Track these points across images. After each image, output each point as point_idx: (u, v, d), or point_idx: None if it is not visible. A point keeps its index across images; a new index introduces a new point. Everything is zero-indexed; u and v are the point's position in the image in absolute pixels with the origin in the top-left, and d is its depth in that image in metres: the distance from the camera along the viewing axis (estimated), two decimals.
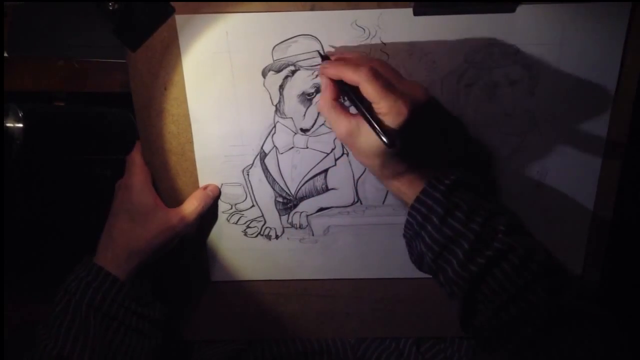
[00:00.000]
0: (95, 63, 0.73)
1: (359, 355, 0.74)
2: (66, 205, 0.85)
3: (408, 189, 0.58)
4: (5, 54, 0.72)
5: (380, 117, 0.53)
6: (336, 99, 0.58)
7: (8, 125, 0.54)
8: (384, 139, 0.52)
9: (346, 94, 0.57)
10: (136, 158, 0.67)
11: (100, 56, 0.73)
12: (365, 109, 0.54)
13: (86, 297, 0.62)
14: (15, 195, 0.81)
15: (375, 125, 0.53)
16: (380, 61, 0.58)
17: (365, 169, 0.68)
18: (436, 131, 0.61)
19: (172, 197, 0.69)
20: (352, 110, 0.58)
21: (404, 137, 0.54)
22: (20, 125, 0.55)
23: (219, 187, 0.70)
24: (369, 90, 0.53)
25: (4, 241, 0.80)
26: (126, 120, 0.69)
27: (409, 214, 0.58)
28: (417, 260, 0.61)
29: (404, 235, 0.61)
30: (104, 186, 0.71)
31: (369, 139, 0.54)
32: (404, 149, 0.55)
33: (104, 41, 0.73)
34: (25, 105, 0.56)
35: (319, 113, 0.65)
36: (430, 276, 0.61)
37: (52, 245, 0.86)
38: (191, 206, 0.67)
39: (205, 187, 0.69)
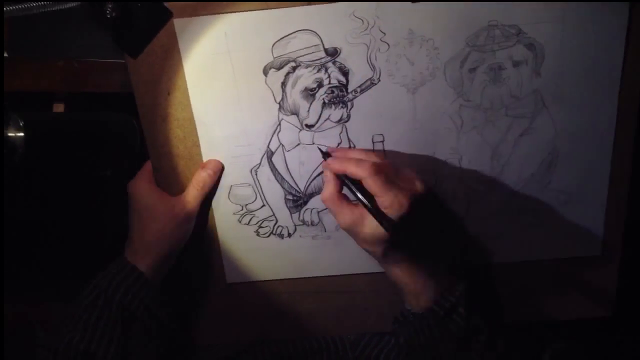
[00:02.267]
0: (95, 63, 0.73)
1: (358, 352, 0.73)
2: (66, 205, 0.86)
3: (408, 277, 0.63)
4: (5, 54, 0.72)
5: (383, 209, 0.57)
6: (339, 191, 0.62)
7: (9, 134, 0.54)
8: (389, 228, 0.56)
9: (349, 187, 0.60)
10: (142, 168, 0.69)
11: (100, 56, 0.73)
12: (368, 201, 0.58)
13: (117, 295, 0.64)
14: (15, 196, 0.81)
15: (380, 217, 0.57)
16: (380, 156, 0.62)
17: None
18: (434, 221, 0.67)
19: None
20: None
21: (405, 227, 0.57)
22: (22, 134, 0.55)
23: (217, 160, 0.68)
24: (372, 184, 0.57)
25: (4, 242, 0.81)
26: (128, 125, 0.70)
27: (437, 302, 0.63)
28: (420, 345, 0.64)
29: (417, 321, 0.64)
30: (104, 186, 0.71)
31: (373, 228, 0.58)
32: (405, 238, 0.60)
33: (104, 41, 0.73)
34: (26, 113, 0.56)
35: (322, 108, 0.65)
36: None
37: (52, 245, 0.86)
38: (193, 191, 0.67)
39: (203, 167, 0.68)
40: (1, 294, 0.80)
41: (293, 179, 0.69)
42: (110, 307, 0.64)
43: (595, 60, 0.62)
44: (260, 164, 0.68)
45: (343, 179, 0.61)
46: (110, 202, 0.69)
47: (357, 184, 0.59)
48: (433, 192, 0.67)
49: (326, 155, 0.65)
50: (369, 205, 0.58)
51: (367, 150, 0.65)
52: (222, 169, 0.69)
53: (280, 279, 0.74)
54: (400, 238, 0.59)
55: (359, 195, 0.59)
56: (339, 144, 0.67)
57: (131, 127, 0.69)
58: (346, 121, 0.66)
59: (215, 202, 0.70)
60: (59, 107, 0.75)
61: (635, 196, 0.68)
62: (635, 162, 0.67)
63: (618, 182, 0.67)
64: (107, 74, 0.72)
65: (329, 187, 0.62)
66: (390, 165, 0.60)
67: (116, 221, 0.72)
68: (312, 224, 0.71)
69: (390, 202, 0.56)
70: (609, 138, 0.66)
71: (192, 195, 0.67)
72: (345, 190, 0.62)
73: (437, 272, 0.64)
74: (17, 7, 0.56)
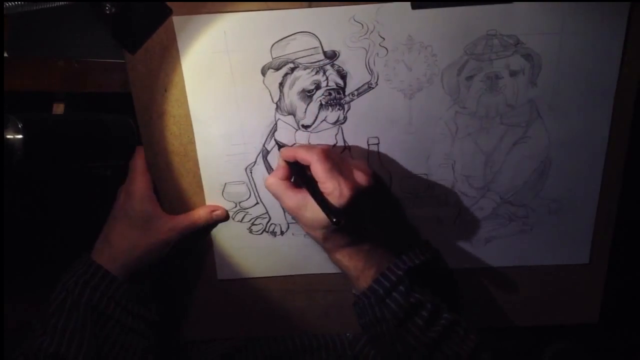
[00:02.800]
0: (95, 63, 0.72)
1: (357, 350, 0.74)
2: (66, 206, 0.86)
3: (348, 261, 0.64)
4: (5, 54, 0.72)
5: (325, 196, 0.59)
6: (285, 178, 0.64)
7: (8, 137, 0.54)
8: (330, 216, 0.57)
9: (297, 174, 0.63)
10: (139, 165, 0.68)
11: (100, 56, 0.73)
12: (313, 187, 0.59)
13: (84, 296, 0.64)
14: (15, 196, 0.81)
15: (322, 203, 0.58)
16: (331, 147, 0.65)
17: (368, 162, 0.68)
18: (377, 212, 0.68)
19: (177, 197, 0.70)
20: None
21: (347, 216, 0.58)
22: (20, 136, 0.55)
23: (226, 210, 0.71)
24: (317, 170, 0.59)
25: (4, 242, 0.81)
26: (126, 126, 0.69)
27: (377, 281, 0.63)
28: (368, 325, 0.64)
29: (360, 301, 0.64)
30: (103, 186, 0.71)
31: (315, 213, 0.60)
32: (346, 226, 0.60)
33: (104, 41, 0.73)
34: (24, 115, 0.56)
35: (319, 109, 0.66)
36: None
37: (52, 245, 0.86)
38: (193, 220, 0.69)
39: (213, 210, 0.70)
40: (1, 294, 0.80)
41: None
42: (77, 308, 0.63)
43: (590, 73, 0.63)
44: (255, 162, 0.69)
45: (292, 167, 0.63)
46: (110, 203, 0.68)
47: (305, 171, 0.61)
48: (381, 185, 0.68)
49: (281, 145, 0.67)
50: (314, 191, 0.59)
51: (318, 144, 0.66)
52: (227, 218, 0.71)
53: (272, 277, 0.75)
54: (341, 226, 0.59)
55: (305, 181, 0.61)
56: (334, 145, 0.67)
57: (129, 128, 0.69)
58: (342, 123, 0.66)
59: (209, 199, 0.70)
60: (59, 107, 0.74)
61: (624, 207, 0.69)
62: (626, 174, 0.67)
63: (608, 192, 0.68)
64: (107, 74, 0.72)
65: (275, 173, 0.64)
66: (339, 156, 0.62)
67: None
68: None
69: (331, 189, 0.58)
70: (602, 149, 0.66)
71: (185, 223, 0.68)
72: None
73: (377, 256, 0.64)
74: (17, 3, 0.55)
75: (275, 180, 0.64)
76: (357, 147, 0.67)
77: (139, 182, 0.67)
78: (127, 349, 0.66)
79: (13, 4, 0.56)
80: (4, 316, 0.80)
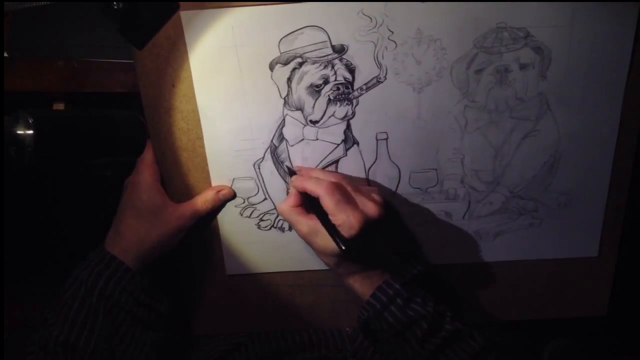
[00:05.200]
0: (95, 63, 0.72)
1: (356, 344, 0.74)
2: (66, 206, 0.85)
3: (360, 286, 0.65)
4: (5, 54, 0.72)
5: (336, 226, 0.60)
6: (297, 205, 0.65)
7: (19, 132, 0.53)
8: (340, 245, 0.59)
9: (308, 202, 0.64)
10: (146, 157, 0.68)
11: (100, 56, 0.73)
12: (323, 217, 0.61)
13: (98, 285, 0.64)
14: (15, 196, 0.81)
15: (332, 233, 0.59)
16: (340, 176, 0.65)
17: (377, 157, 0.68)
18: (388, 239, 0.70)
19: (185, 193, 0.70)
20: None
21: (355, 245, 0.59)
22: (31, 131, 0.54)
23: (232, 188, 0.70)
24: (326, 203, 0.60)
25: (5, 241, 0.81)
26: (136, 122, 0.69)
27: (373, 295, 0.64)
28: (369, 334, 0.67)
29: (361, 314, 0.66)
30: (103, 186, 0.71)
31: (326, 240, 0.61)
32: (357, 254, 0.62)
33: (104, 41, 0.73)
34: (35, 111, 0.55)
35: (327, 104, 0.65)
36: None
37: (52, 245, 0.86)
38: (201, 204, 0.68)
39: (218, 190, 0.69)
40: (1, 294, 0.80)
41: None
42: (90, 298, 0.64)
43: (601, 66, 0.62)
44: (263, 158, 0.68)
45: (303, 195, 0.64)
46: (110, 202, 0.68)
47: (316, 200, 0.61)
48: (391, 210, 0.70)
49: (292, 173, 0.67)
50: (325, 221, 0.60)
51: (329, 172, 0.68)
52: (234, 197, 0.70)
53: (280, 272, 0.75)
54: (351, 254, 0.61)
55: (316, 211, 0.62)
56: (342, 141, 0.67)
57: (139, 124, 0.69)
58: (351, 118, 0.66)
59: None
60: (58, 107, 0.74)
61: (633, 200, 0.69)
62: (635, 167, 0.67)
63: (618, 185, 0.68)
64: (107, 74, 0.72)
65: (287, 200, 0.65)
66: (349, 184, 0.63)
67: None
68: None
69: (341, 221, 0.59)
70: (611, 142, 0.66)
71: (193, 209, 0.68)
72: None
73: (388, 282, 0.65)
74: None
75: (287, 207, 0.64)
76: (366, 142, 0.67)
77: (145, 173, 0.67)
78: (137, 342, 0.66)
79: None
80: (5, 316, 0.80)
